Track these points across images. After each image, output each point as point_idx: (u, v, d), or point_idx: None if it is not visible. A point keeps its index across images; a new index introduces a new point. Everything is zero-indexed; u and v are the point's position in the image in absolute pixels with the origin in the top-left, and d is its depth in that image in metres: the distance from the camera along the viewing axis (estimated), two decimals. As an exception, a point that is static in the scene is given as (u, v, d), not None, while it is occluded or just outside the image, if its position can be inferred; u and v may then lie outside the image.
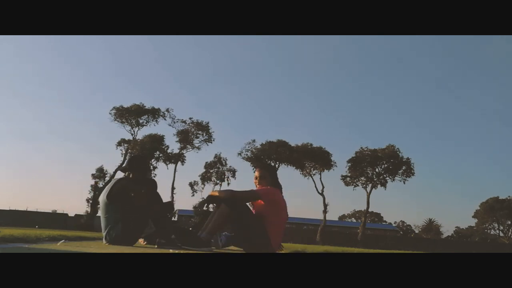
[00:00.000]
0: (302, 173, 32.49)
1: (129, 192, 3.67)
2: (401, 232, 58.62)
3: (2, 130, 62.11)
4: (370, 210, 35.46)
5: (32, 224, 27.42)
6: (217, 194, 3.51)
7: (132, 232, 3.65)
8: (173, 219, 33.15)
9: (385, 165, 31.48)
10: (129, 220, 3.60)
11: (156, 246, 3.58)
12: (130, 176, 3.85)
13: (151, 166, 31.67)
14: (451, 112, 67.30)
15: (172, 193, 31.55)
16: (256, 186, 3.67)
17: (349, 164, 32.12)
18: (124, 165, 3.99)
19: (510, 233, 47.92)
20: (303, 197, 68.54)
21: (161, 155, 32.28)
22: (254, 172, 3.73)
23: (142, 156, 4.23)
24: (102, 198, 3.72)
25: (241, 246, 3.64)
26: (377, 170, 31.75)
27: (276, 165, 32.09)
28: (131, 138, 32.94)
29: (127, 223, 3.59)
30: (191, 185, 32.20)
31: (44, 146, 65.07)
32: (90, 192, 32.41)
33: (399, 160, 31.29)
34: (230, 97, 69.08)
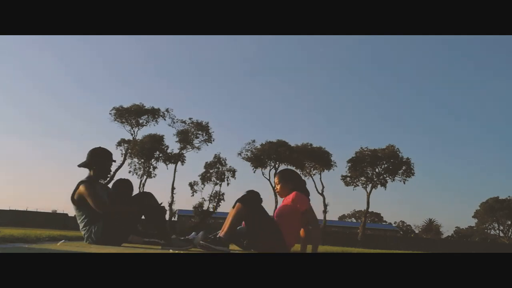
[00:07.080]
0: (302, 173, 32.46)
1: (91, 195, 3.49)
2: (401, 232, 58.57)
3: (2, 130, 62.17)
4: (370, 210, 35.46)
5: (32, 224, 27.39)
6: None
7: (114, 232, 3.49)
8: (173, 219, 33.11)
9: (385, 165, 31.48)
10: (110, 219, 3.47)
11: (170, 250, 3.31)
12: (93, 172, 3.66)
13: (152, 166, 31.65)
14: (451, 111, 67.34)
15: (172, 193, 31.55)
16: (279, 193, 3.70)
17: (349, 164, 32.13)
18: (85, 160, 3.70)
19: (510, 233, 47.86)
20: (303, 197, 68.21)
21: (161, 155, 32.25)
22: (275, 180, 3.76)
23: (102, 148, 3.83)
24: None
25: (254, 247, 3.52)
26: (377, 170, 31.75)
27: (276, 165, 32.11)
28: (131, 138, 32.94)
29: (108, 222, 3.46)
30: (191, 185, 32.14)
31: (44, 146, 65.09)
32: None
33: (399, 160, 31.30)
34: (230, 97, 69.08)
